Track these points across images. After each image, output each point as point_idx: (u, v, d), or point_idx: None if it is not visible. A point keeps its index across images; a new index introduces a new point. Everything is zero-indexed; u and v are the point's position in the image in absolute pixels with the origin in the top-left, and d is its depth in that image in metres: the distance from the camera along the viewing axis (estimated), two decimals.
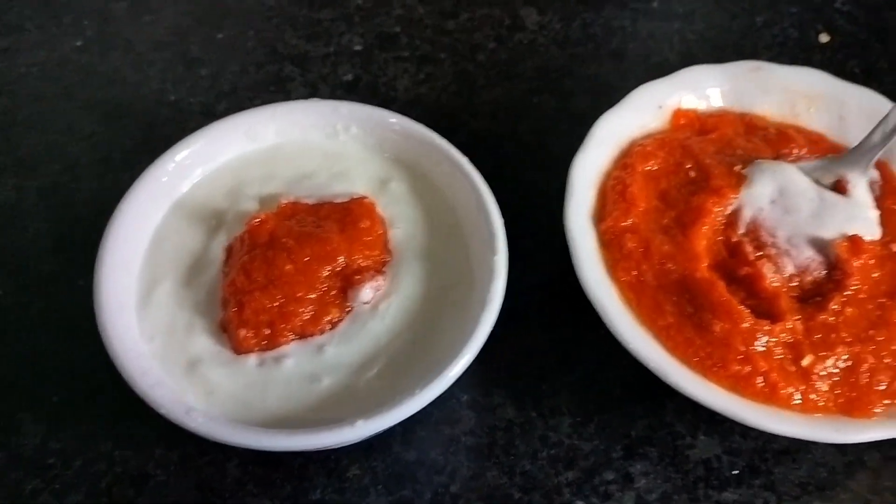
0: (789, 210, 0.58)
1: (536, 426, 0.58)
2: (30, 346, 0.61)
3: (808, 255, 0.57)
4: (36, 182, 0.70)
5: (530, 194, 0.69)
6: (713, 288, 0.54)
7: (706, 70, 0.66)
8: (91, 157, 0.71)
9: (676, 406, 0.59)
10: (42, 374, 0.59)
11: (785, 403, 0.52)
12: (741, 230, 0.58)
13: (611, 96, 0.67)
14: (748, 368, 0.52)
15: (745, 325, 0.53)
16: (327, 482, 0.55)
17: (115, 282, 0.52)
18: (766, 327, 0.53)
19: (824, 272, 0.57)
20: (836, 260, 0.56)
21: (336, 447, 0.54)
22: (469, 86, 0.78)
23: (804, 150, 0.64)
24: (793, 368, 0.53)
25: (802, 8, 0.85)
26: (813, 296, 0.56)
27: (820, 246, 0.57)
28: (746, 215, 0.58)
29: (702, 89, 0.66)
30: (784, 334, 0.54)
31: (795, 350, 0.53)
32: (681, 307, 0.54)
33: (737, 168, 0.59)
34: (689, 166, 0.61)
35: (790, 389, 0.52)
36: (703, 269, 0.55)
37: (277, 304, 0.51)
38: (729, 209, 0.58)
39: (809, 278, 0.57)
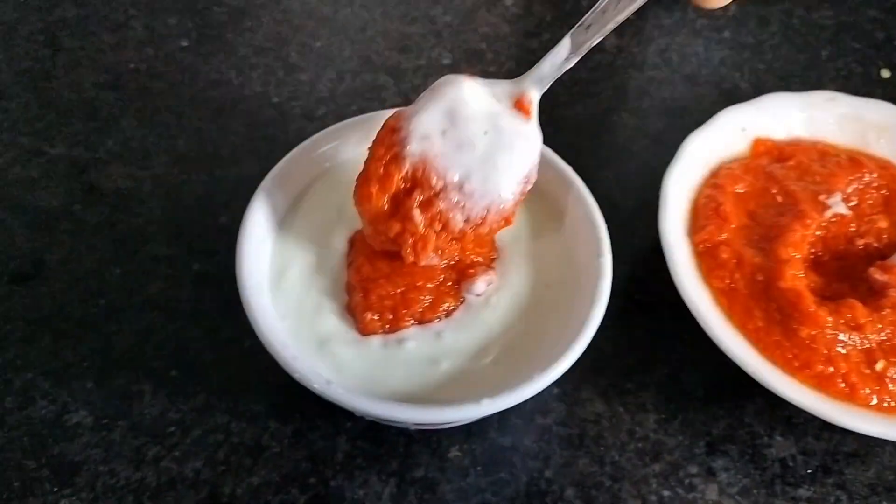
0: (462, 145, 0.51)
1: (623, 420, 0.62)
2: (147, 323, 0.64)
3: (483, 206, 0.52)
4: (148, 172, 0.74)
5: (608, 206, 0.73)
6: (800, 298, 0.58)
7: (786, 97, 0.71)
8: (199, 152, 0.76)
9: (755, 408, 0.62)
10: (159, 350, 0.63)
11: (863, 403, 0.56)
12: (405, 169, 0.51)
13: (685, 118, 0.72)
14: (831, 369, 0.56)
15: (829, 331, 0.57)
16: (430, 461, 0.59)
17: (252, 266, 0.55)
18: (847, 334, 0.58)
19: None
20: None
21: (450, 426, 0.59)
22: (551, 102, 0.81)
23: (875, 175, 0.68)
24: (867, 371, 0.57)
25: (864, 45, 0.90)
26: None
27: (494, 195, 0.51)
28: (413, 151, 0.50)
29: (782, 115, 0.71)
30: (859, 340, 0.58)
31: (869, 355, 0.58)
32: (769, 313, 0.59)
33: (821, 198, 0.64)
34: (774, 191, 0.65)
35: (867, 390, 0.57)
36: (791, 280, 0.59)
37: (400, 291, 0.55)
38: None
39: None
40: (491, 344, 0.55)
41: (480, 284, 0.57)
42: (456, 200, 0.51)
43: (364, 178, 0.53)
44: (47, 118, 0.78)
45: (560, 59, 0.55)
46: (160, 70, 0.82)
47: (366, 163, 0.53)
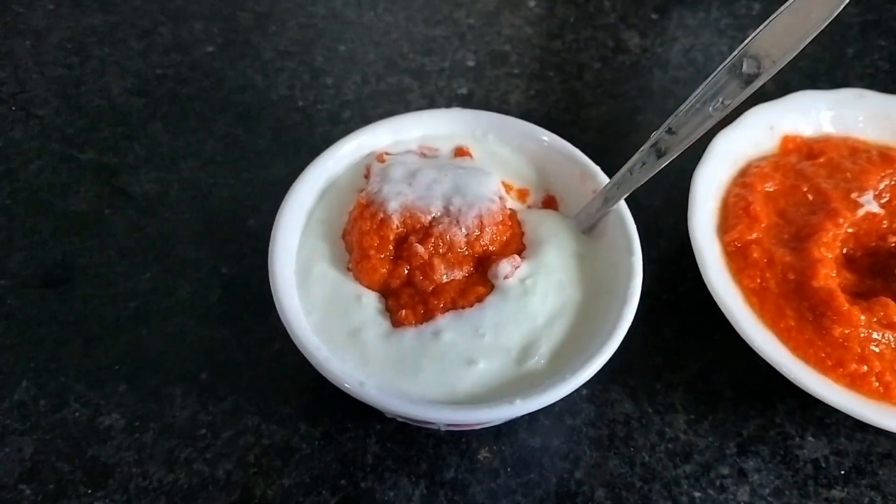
0: (431, 183, 0.58)
1: (653, 421, 0.62)
2: (177, 326, 0.65)
3: (474, 215, 0.57)
4: (176, 176, 0.75)
5: (633, 206, 0.73)
6: (833, 297, 0.57)
7: (814, 95, 0.71)
8: (226, 156, 0.76)
9: (786, 408, 0.62)
10: (189, 353, 0.63)
11: None
12: (395, 225, 0.56)
13: None
14: (864, 368, 0.56)
15: (863, 329, 0.56)
16: (460, 462, 0.59)
17: (283, 269, 0.55)
18: (880, 333, 0.57)
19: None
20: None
21: (481, 427, 0.59)
22: (577, 102, 0.82)
23: None
24: None
25: (891, 42, 0.89)
26: None
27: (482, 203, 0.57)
28: (392, 207, 0.57)
29: (810, 112, 0.70)
30: (893, 338, 0.57)
31: None
32: (801, 312, 0.58)
33: (853, 195, 0.63)
34: (805, 189, 0.65)
35: None
36: (823, 279, 0.59)
37: (430, 289, 0.55)
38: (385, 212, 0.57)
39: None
40: (536, 340, 0.54)
41: (505, 266, 0.56)
42: (448, 220, 0.57)
43: (361, 256, 0.56)
44: (77, 124, 0.79)
45: (594, 209, 0.59)
46: (187, 75, 0.83)
47: (355, 245, 0.57)
